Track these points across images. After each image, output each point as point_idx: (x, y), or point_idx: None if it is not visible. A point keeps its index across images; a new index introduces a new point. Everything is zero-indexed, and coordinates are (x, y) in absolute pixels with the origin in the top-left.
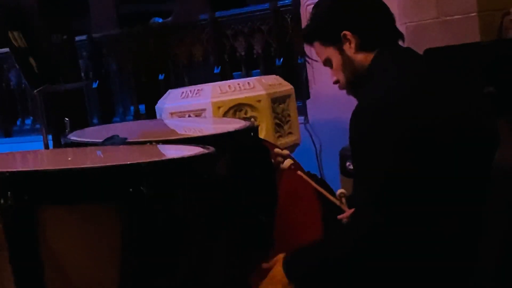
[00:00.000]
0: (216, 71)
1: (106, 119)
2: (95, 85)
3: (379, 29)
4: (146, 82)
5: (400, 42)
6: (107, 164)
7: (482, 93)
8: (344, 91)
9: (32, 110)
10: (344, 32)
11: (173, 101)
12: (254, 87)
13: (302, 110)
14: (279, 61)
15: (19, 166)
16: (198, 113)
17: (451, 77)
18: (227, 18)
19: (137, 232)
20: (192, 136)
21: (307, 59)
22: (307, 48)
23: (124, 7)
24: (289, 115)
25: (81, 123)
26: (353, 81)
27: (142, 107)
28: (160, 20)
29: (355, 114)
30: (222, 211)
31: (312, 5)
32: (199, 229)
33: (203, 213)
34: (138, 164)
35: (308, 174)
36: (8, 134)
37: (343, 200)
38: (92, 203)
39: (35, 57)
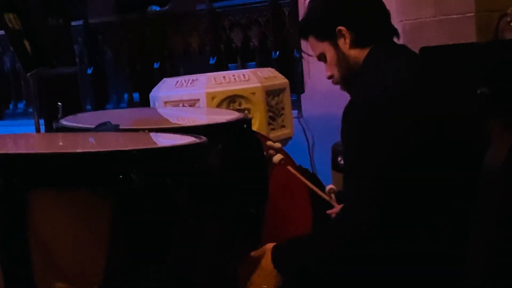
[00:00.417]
0: (211, 61)
1: (100, 106)
2: (89, 71)
3: (374, 26)
4: (141, 70)
5: (395, 39)
6: (98, 150)
7: (476, 94)
8: (339, 87)
9: (25, 93)
10: (339, 27)
11: (167, 90)
12: (249, 79)
13: (296, 104)
14: (275, 54)
15: (10, 149)
16: (192, 103)
17: (445, 76)
18: (225, 8)
19: (125, 219)
20: (185, 125)
21: (303, 53)
22: (304, 43)
23: None
24: (283, 109)
25: (74, 109)
26: (347, 77)
27: (136, 95)
28: (157, 9)
29: (348, 109)
30: (212, 201)
31: None
32: (188, 218)
33: (193, 203)
34: (130, 151)
35: (300, 168)
36: (0, 117)
37: (333, 196)
38: (82, 189)
39: (30, 39)
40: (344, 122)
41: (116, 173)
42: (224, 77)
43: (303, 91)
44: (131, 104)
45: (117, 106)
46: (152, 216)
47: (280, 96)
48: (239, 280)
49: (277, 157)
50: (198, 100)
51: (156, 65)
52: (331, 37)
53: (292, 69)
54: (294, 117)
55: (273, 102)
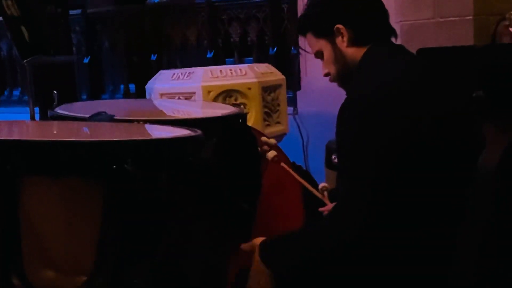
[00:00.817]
0: (209, 55)
1: (95, 96)
2: (86, 61)
3: (372, 25)
4: (138, 62)
5: (393, 39)
6: (93, 139)
7: (471, 96)
8: (335, 85)
9: (21, 81)
10: (338, 25)
11: (163, 82)
12: (246, 74)
13: (292, 101)
14: (273, 50)
15: (4, 135)
16: (188, 96)
17: (441, 77)
18: (224, 3)
19: (117, 209)
20: (180, 118)
21: (300, 50)
22: (301, 39)
23: None
24: (278, 105)
25: (69, 98)
26: (344, 75)
27: (132, 86)
28: (156, 0)
29: (343, 107)
30: (205, 195)
31: None
32: (180, 211)
33: (186, 195)
34: (124, 141)
35: (293, 165)
36: None
37: (325, 193)
38: (75, 177)
39: (27, 26)
40: (339, 120)
41: (110, 163)
42: (221, 71)
43: (299, 88)
44: (127, 95)
45: (112, 96)
46: (144, 208)
47: (276, 92)
48: (229, 274)
49: (271, 154)
50: (194, 93)
51: (153, 57)
52: (329, 35)
53: (289, 66)
54: (290, 114)
55: (269, 98)
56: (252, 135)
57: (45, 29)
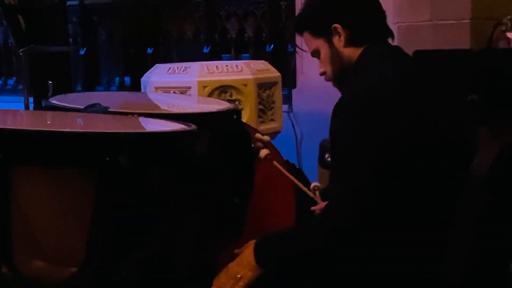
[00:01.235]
0: (205, 50)
1: (90, 87)
2: (82, 52)
3: (369, 25)
4: (134, 54)
5: (390, 40)
6: (87, 131)
7: (466, 100)
8: (331, 84)
9: (16, 70)
10: (335, 25)
11: (159, 76)
12: (242, 71)
13: (287, 99)
14: (270, 47)
15: None
16: (183, 91)
17: (437, 80)
18: None
19: (109, 202)
20: (174, 112)
21: (297, 48)
22: (298, 38)
23: None
24: (273, 102)
25: (64, 88)
26: (339, 74)
27: (127, 79)
28: None
29: (337, 107)
30: (197, 190)
31: None
32: (172, 206)
33: (178, 190)
34: (118, 133)
35: (286, 163)
36: None
37: (317, 193)
38: (67, 168)
39: (24, 15)
40: (333, 119)
41: (103, 155)
42: (217, 66)
43: (295, 86)
44: (122, 87)
45: (107, 88)
46: (136, 201)
47: (271, 89)
48: (219, 269)
49: (263, 152)
50: (190, 88)
51: (149, 50)
52: (326, 34)
53: (285, 64)
54: (284, 112)
55: (264, 95)
56: (246, 131)
57: (42, 19)
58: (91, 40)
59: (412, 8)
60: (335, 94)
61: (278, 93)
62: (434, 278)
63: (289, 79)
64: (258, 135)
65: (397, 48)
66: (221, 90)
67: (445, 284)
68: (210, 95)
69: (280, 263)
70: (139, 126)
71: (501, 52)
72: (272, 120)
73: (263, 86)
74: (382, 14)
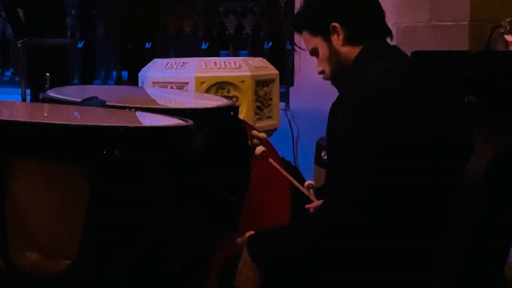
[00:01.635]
0: (203, 46)
1: (87, 81)
2: (80, 45)
3: (368, 24)
4: (132, 49)
5: (388, 40)
6: (84, 124)
7: (463, 101)
8: (328, 82)
9: (14, 62)
10: (334, 23)
11: (157, 71)
12: (240, 67)
13: (284, 96)
14: (268, 45)
15: None
16: (181, 86)
17: (434, 81)
18: None
19: (104, 195)
20: (171, 107)
21: (295, 46)
22: (297, 36)
23: None
24: (270, 99)
25: (61, 81)
26: (337, 73)
27: (125, 73)
28: None
29: (334, 105)
30: (193, 185)
31: None
32: (167, 200)
33: (174, 185)
34: (115, 127)
35: (282, 160)
36: None
37: (311, 191)
38: (63, 161)
39: (23, 7)
40: (330, 117)
41: (99, 148)
42: (215, 63)
43: (292, 84)
44: (119, 82)
45: (104, 82)
46: (131, 195)
47: (269, 86)
48: (213, 265)
49: (259, 149)
50: (187, 83)
51: (147, 45)
52: (325, 33)
53: (283, 61)
54: (281, 109)
55: (261, 92)
56: (242, 128)
57: (41, 11)
58: (89, 34)
59: (411, 8)
60: (332, 93)
61: (275, 91)
62: (428, 279)
63: (286, 77)
64: (254, 132)
65: (395, 48)
66: (219, 86)
67: (439, 286)
68: (207, 91)
69: (272, 259)
70: (136, 120)
71: (499, 55)
72: (269, 117)
73: (261, 83)
74: (381, 13)
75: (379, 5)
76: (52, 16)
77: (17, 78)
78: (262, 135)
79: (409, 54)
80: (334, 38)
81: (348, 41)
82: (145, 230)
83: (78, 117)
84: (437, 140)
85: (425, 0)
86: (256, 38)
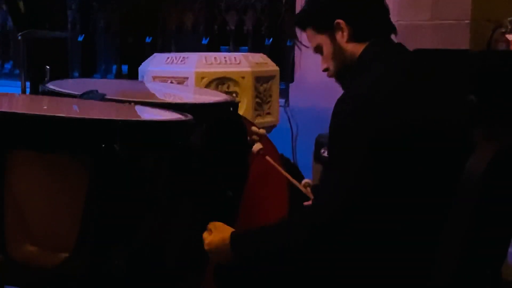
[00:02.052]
0: (204, 41)
1: (87, 74)
2: (80, 39)
3: (373, 21)
4: (132, 43)
5: (393, 36)
6: (83, 117)
7: (465, 100)
8: (328, 79)
9: (14, 54)
10: (338, 20)
11: (157, 65)
12: (240, 63)
13: (284, 93)
14: (268, 41)
15: None
16: (181, 81)
17: (437, 79)
18: None
19: (102, 188)
20: (171, 102)
21: (297, 42)
22: (298, 32)
23: None
24: (270, 96)
25: (61, 74)
26: (342, 71)
27: (125, 68)
28: None
29: (339, 103)
30: (191, 180)
31: None
32: (165, 194)
33: (172, 179)
34: (115, 121)
35: (281, 157)
36: None
37: (308, 189)
38: (62, 154)
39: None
40: (334, 115)
41: (99, 141)
42: (215, 58)
43: (292, 81)
44: (119, 76)
45: (104, 76)
46: (129, 188)
47: (269, 83)
48: (208, 262)
49: (256, 147)
50: (187, 78)
51: (148, 40)
52: (329, 30)
53: (284, 58)
54: (281, 106)
55: (261, 88)
56: (242, 124)
57: (42, 4)
58: (89, 28)
59: (413, 7)
60: (332, 90)
61: (275, 87)
62: (424, 279)
63: (286, 73)
64: (254, 128)
65: (399, 45)
66: (219, 81)
67: (435, 286)
68: (207, 86)
69: (255, 255)
70: (135, 115)
71: (500, 54)
72: (269, 113)
73: (261, 79)
74: (385, 10)
75: (383, 2)
76: (53, 8)
77: (17, 71)
78: (262, 131)
79: None
80: (338, 35)
81: (352, 38)
82: (143, 224)
83: (77, 110)
84: (437, 139)
85: None
86: (256, 35)
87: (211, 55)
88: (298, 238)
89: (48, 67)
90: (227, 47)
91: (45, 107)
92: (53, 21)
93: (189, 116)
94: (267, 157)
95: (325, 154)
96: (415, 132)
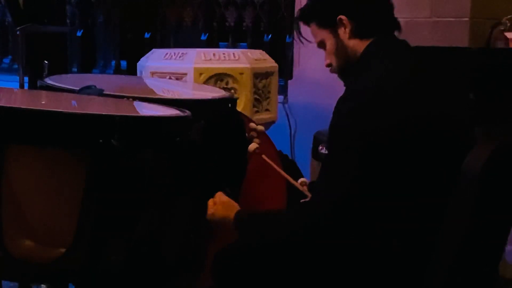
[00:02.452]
0: (203, 37)
1: (86, 70)
2: (79, 34)
3: (375, 18)
4: (131, 38)
5: (396, 33)
6: (81, 112)
7: (466, 98)
8: (327, 76)
9: (12, 49)
10: (340, 16)
11: (155, 61)
12: (239, 59)
13: (283, 89)
14: (267, 37)
15: None
16: (179, 77)
17: (440, 77)
18: None
19: (100, 184)
20: (169, 98)
21: (299, 37)
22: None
23: None
24: (269, 92)
25: (60, 69)
26: (344, 67)
27: (123, 63)
28: None
29: (341, 100)
30: (189, 176)
31: None
32: (163, 190)
33: (169, 175)
34: (113, 116)
35: (279, 154)
36: None
37: (305, 187)
38: (61, 149)
39: None
40: (335, 112)
41: (97, 136)
42: (214, 54)
43: (291, 77)
44: (118, 71)
45: (103, 71)
46: (127, 184)
47: (268, 79)
48: (207, 256)
49: (252, 146)
50: (186, 74)
51: (147, 35)
52: (332, 26)
53: (283, 54)
54: (279, 102)
55: (260, 85)
56: (240, 120)
57: None
58: (88, 23)
59: (412, 4)
60: (331, 87)
61: (274, 83)
62: (420, 277)
63: (285, 70)
64: (252, 125)
65: (403, 42)
66: (217, 78)
67: (432, 284)
68: (206, 82)
69: (259, 237)
70: (133, 110)
71: (499, 52)
72: (267, 110)
73: (260, 75)
74: (389, 6)
75: None
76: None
77: (16, 65)
78: (260, 127)
79: None
80: (341, 31)
81: (355, 35)
82: (141, 219)
83: (76, 105)
84: (439, 138)
85: None
86: (255, 31)
87: (210, 51)
88: (297, 230)
89: (46, 62)
90: (226, 43)
91: (44, 102)
92: (52, 16)
93: (188, 112)
94: (264, 156)
95: (323, 151)
96: (418, 129)
